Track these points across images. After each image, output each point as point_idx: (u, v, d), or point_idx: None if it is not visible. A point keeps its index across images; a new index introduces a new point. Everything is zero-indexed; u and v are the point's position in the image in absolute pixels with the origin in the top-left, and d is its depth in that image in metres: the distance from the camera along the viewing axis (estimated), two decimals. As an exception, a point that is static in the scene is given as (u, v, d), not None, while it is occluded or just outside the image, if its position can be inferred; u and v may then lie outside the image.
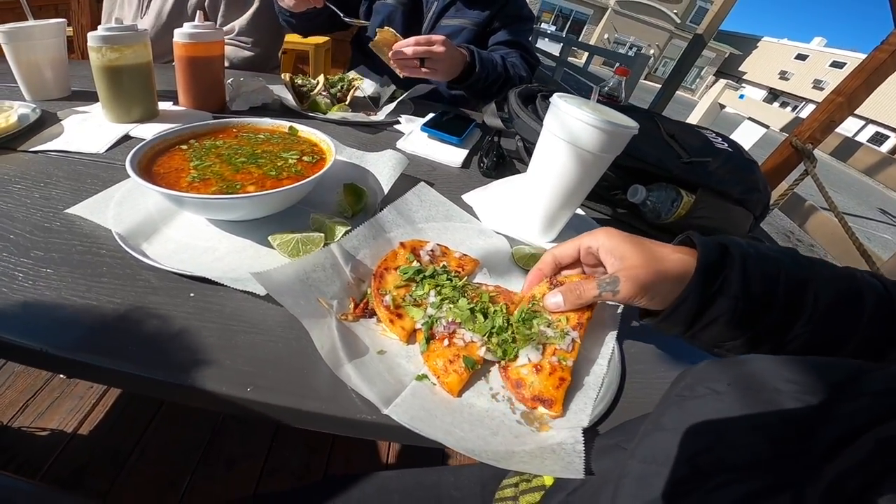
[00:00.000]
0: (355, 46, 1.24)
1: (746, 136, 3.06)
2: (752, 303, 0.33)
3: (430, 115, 0.85)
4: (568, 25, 25.62)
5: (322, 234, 0.41)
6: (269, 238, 0.41)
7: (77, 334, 0.31)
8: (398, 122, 0.84)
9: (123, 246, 0.39)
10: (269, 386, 0.30)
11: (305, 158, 0.50)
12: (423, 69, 0.86)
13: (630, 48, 25.40)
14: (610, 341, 0.39)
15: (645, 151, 0.63)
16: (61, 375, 1.02)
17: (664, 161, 0.63)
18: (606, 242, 0.38)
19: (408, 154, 0.69)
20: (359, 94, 0.98)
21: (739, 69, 28.78)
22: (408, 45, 0.84)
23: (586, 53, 7.18)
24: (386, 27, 0.89)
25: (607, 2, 24.86)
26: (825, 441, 0.22)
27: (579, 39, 25.22)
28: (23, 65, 0.67)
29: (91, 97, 0.73)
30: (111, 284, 0.36)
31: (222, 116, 0.72)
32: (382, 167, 0.57)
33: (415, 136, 0.77)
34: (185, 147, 0.50)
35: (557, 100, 0.48)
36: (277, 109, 0.81)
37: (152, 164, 0.46)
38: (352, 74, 0.97)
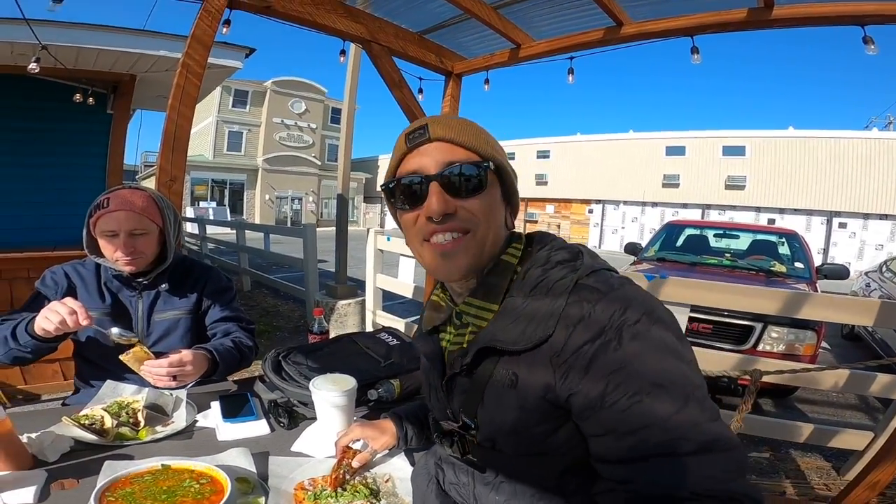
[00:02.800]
0: (79, 358, 1.34)
1: (406, 270, 4.34)
2: (418, 426, 0.97)
3: (215, 406, 1.14)
4: (228, 195, 25.85)
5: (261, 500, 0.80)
6: None
7: None
8: (197, 421, 1.12)
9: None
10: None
11: (203, 481, 0.83)
12: (174, 381, 1.12)
13: (292, 200, 28.01)
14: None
15: (364, 371, 1.23)
16: None
17: (374, 371, 1.24)
18: (359, 430, 0.95)
19: (233, 442, 1.04)
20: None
21: (377, 189, 34.31)
22: (161, 367, 1.10)
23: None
24: (138, 344, 1.13)
25: (256, 163, 26.27)
26: None
27: (244, 206, 26.08)
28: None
29: None
30: None
31: (48, 466, 0.88)
32: (238, 459, 0.93)
33: (223, 427, 1.08)
34: (112, 498, 0.75)
35: (314, 388, 1.02)
36: (82, 448, 0.96)
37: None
38: (128, 398, 1.15)
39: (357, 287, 5.41)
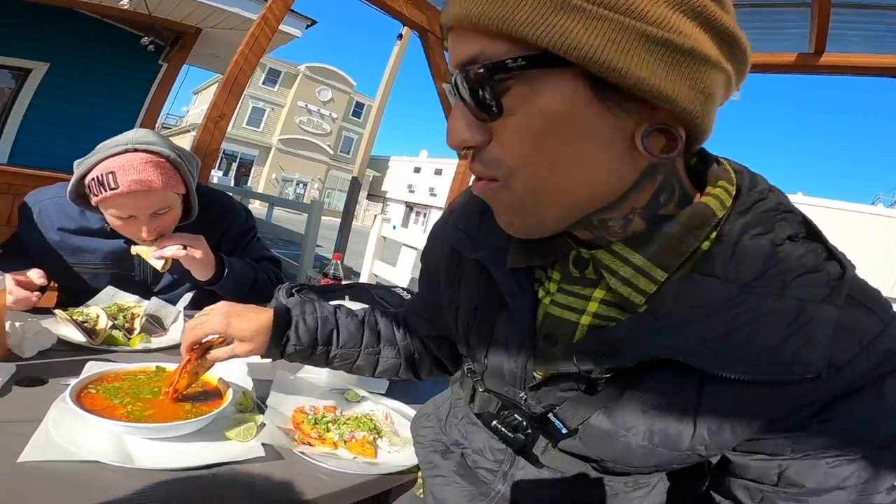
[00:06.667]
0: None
1: (406, 260, 4.27)
2: (308, 340, 0.70)
3: None
4: (235, 168, 25.96)
5: (252, 422, 0.70)
6: (226, 433, 0.67)
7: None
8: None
9: (118, 464, 0.56)
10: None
11: (194, 387, 0.76)
12: (184, 250, 1.03)
13: (297, 184, 28.06)
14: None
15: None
16: None
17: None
18: (221, 321, 0.68)
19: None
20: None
21: (382, 189, 34.47)
22: (174, 236, 1.05)
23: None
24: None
25: (271, 141, 26.48)
26: None
27: (249, 181, 26.08)
28: None
29: None
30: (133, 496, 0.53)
31: (21, 361, 0.79)
32: (236, 375, 0.85)
33: (223, 344, 1.04)
34: (93, 391, 0.68)
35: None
36: (63, 349, 0.88)
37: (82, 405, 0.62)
38: (128, 303, 1.10)
39: (351, 272, 5.33)
